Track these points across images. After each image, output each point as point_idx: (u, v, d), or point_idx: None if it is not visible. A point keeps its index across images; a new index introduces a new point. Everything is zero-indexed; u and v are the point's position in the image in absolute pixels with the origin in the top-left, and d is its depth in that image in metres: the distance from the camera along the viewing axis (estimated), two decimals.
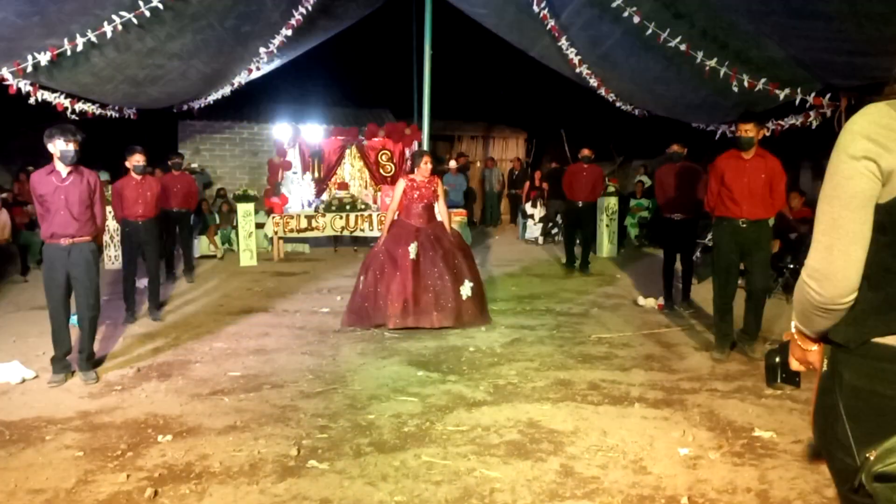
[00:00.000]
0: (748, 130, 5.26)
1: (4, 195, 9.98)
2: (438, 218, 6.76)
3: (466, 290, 6.49)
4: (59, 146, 4.74)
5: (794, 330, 1.68)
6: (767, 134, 6.63)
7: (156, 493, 3.22)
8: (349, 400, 4.51)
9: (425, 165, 6.61)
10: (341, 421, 4.13)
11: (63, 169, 4.83)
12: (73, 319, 5.17)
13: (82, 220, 4.88)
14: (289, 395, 4.60)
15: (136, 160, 6.77)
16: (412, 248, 6.41)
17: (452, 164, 14.83)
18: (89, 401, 4.54)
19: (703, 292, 7.77)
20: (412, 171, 6.78)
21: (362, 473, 3.43)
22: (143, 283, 7.25)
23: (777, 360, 1.79)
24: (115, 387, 4.81)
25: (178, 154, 9.28)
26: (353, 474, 3.42)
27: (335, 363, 5.36)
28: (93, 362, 5.11)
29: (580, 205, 9.64)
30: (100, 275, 5.18)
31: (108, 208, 8.34)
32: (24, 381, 4.87)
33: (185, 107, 11.19)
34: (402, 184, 6.67)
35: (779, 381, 1.79)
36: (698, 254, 8.63)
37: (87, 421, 4.16)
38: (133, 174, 6.84)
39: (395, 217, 6.70)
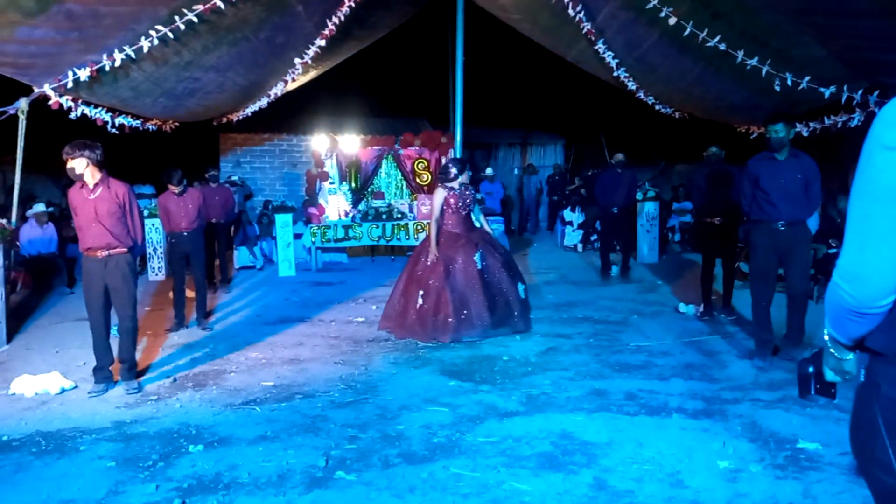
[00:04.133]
0: (778, 131, 5.09)
1: (52, 209, 10.23)
2: (477, 224, 6.75)
3: (521, 292, 6.53)
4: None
5: (826, 337, 1.57)
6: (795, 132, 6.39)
7: (183, 503, 3.23)
8: (380, 410, 4.47)
9: (454, 172, 6.57)
10: (370, 431, 4.09)
11: (90, 182, 4.90)
12: (114, 330, 5.26)
13: (115, 232, 4.93)
14: (320, 405, 4.58)
15: (175, 184, 7.08)
16: (478, 258, 6.37)
17: (489, 171, 14.80)
18: (125, 410, 4.59)
19: (744, 298, 7.56)
20: (446, 181, 6.73)
21: (390, 485, 3.37)
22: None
23: (810, 370, 1.68)
24: (150, 396, 4.87)
25: (214, 167, 9.47)
26: (380, 486, 3.37)
27: (367, 373, 5.33)
28: (135, 372, 5.16)
29: (615, 211, 9.47)
30: (137, 285, 5.24)
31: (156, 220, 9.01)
32: (63, 391, 4.95)
33: (225, 119, 11.35)
34: (441, 193, 6.58)
35: (812, 392, 1.68)
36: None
37: (122, 431, 4.20)
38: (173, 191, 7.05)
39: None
